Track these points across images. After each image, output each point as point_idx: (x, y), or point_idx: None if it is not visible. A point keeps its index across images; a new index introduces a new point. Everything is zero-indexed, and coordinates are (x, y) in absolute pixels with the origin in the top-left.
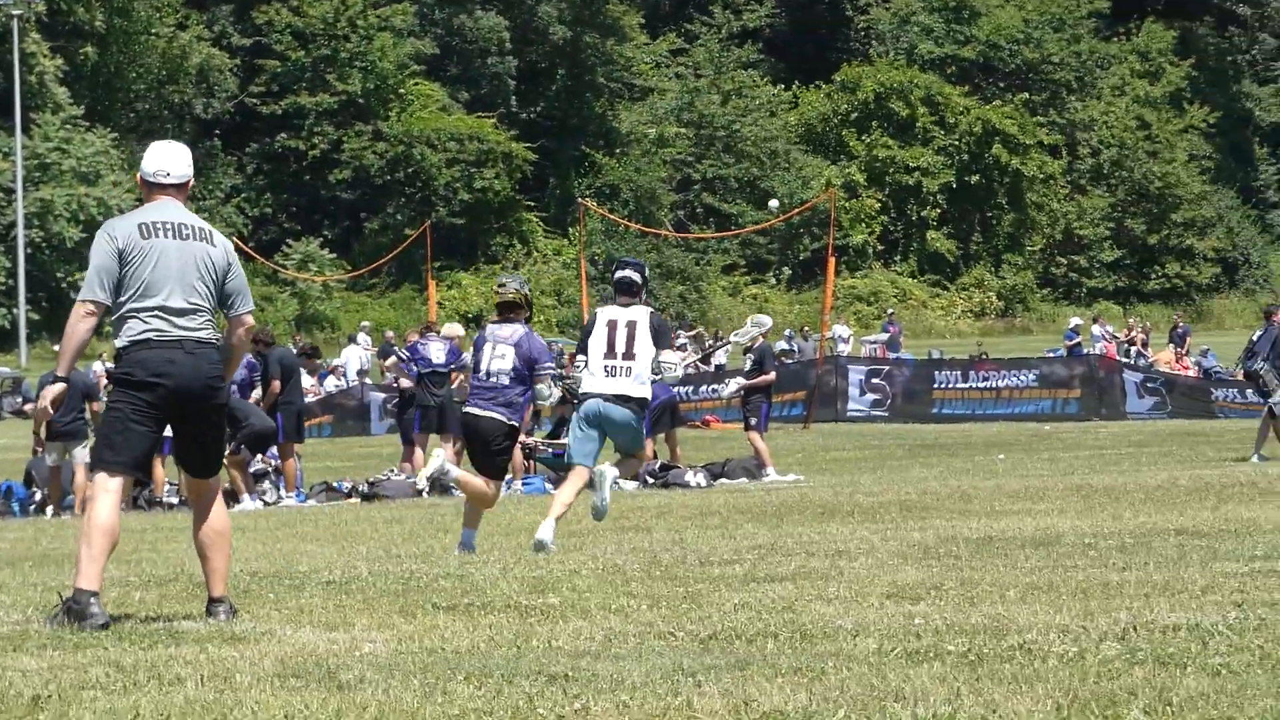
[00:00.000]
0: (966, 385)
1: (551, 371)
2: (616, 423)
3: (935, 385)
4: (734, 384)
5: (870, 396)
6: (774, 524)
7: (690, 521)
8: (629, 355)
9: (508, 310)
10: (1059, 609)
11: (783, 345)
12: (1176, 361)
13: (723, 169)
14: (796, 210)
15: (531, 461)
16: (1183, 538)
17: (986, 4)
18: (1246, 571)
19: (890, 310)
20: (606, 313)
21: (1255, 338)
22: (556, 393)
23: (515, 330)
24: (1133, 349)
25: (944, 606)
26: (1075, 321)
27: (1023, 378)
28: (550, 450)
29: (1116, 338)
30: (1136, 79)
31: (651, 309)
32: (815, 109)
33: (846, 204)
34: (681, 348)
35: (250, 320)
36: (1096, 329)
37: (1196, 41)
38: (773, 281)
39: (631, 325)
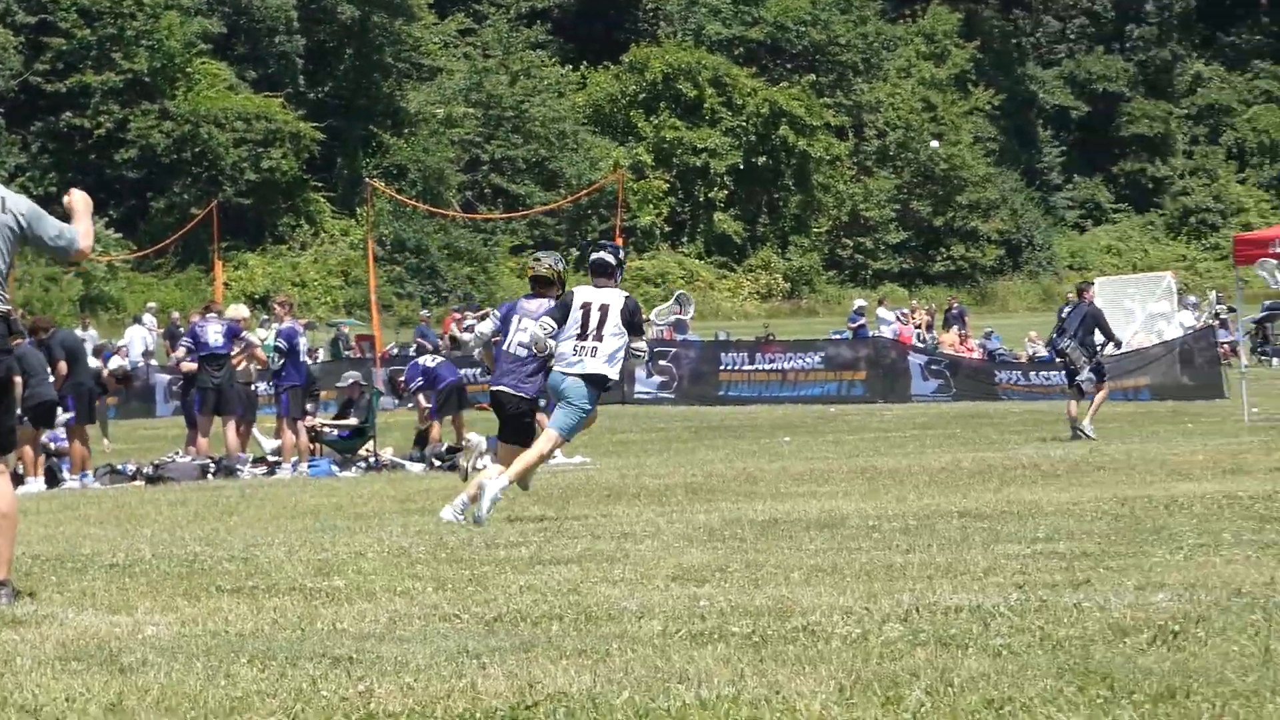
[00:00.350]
0: (753, 367)
1: None
2: (566, 395)
3: (722, 367)
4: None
5: (657, 379)
6: (560, 506)
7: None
8: (598, 337)
9: (540, 285)
10: (843, 591)
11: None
12: (961, 344)
13: (511, 150)
14: (584, 191)
15: (317, 444)
16: (966, 520)
17: None
18: (1028, 553)
19: (678, 292)
20: (582, 294)
21: (1065, 315)
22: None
23: (543, 305)
24: (917, 331)
25: (729, 588)
26: (860, 304)
27: (808, 360)
28: (336, 432)
29: (914, 320)
30: (922, 61)
31: (626, 294)
32: (603, 90)
33: (634, 185)
34: (469, 329)
35: (84, 245)
36: (883, 311)
37: (981, 24)
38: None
39: (604, 309)
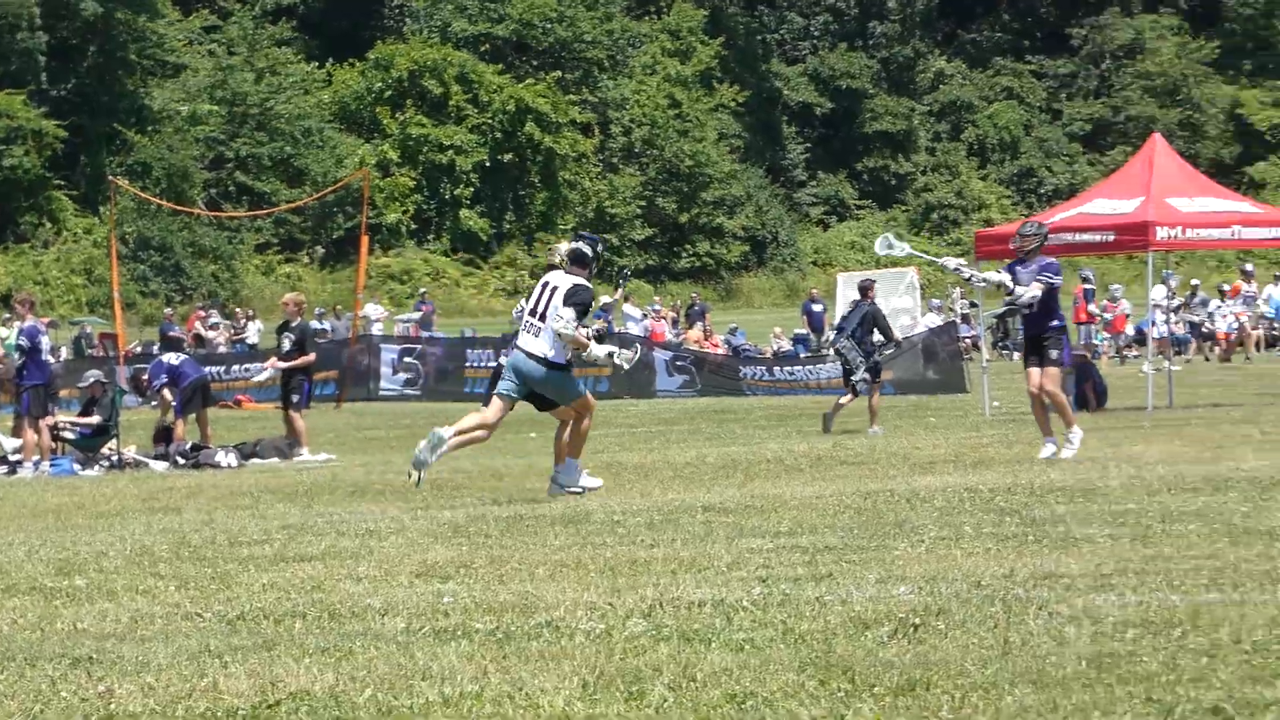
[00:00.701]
0: (497, 364)
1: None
2: (529, 376)
3: (468, 364)
4: (269, 369)
5: (403, 375)
6: (305, 504)
7: (220, 502)
8: (543, 316)
9: (577, 264)
10: (587, 586)
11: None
12: (705, 339)
13: (256, 147)
14: (330, 189)
15: (59, 443)
16: (710, 514)
17: None
18: (771, 548)
19: (423, 289)
20: (549, 277)
21: (845, 314)
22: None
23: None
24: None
25: (473, 585)
26: (606, 300)
27: None
28: (78, 430)
29: (663, 316)
30: (668, 58)
31: (579, 280)
32: (349, 87)
33: (380, 183)
34: (214, 327)
35: None
36: (629, 308)
37: (726, 21)
38: (306, 260)
39: (554, 290)
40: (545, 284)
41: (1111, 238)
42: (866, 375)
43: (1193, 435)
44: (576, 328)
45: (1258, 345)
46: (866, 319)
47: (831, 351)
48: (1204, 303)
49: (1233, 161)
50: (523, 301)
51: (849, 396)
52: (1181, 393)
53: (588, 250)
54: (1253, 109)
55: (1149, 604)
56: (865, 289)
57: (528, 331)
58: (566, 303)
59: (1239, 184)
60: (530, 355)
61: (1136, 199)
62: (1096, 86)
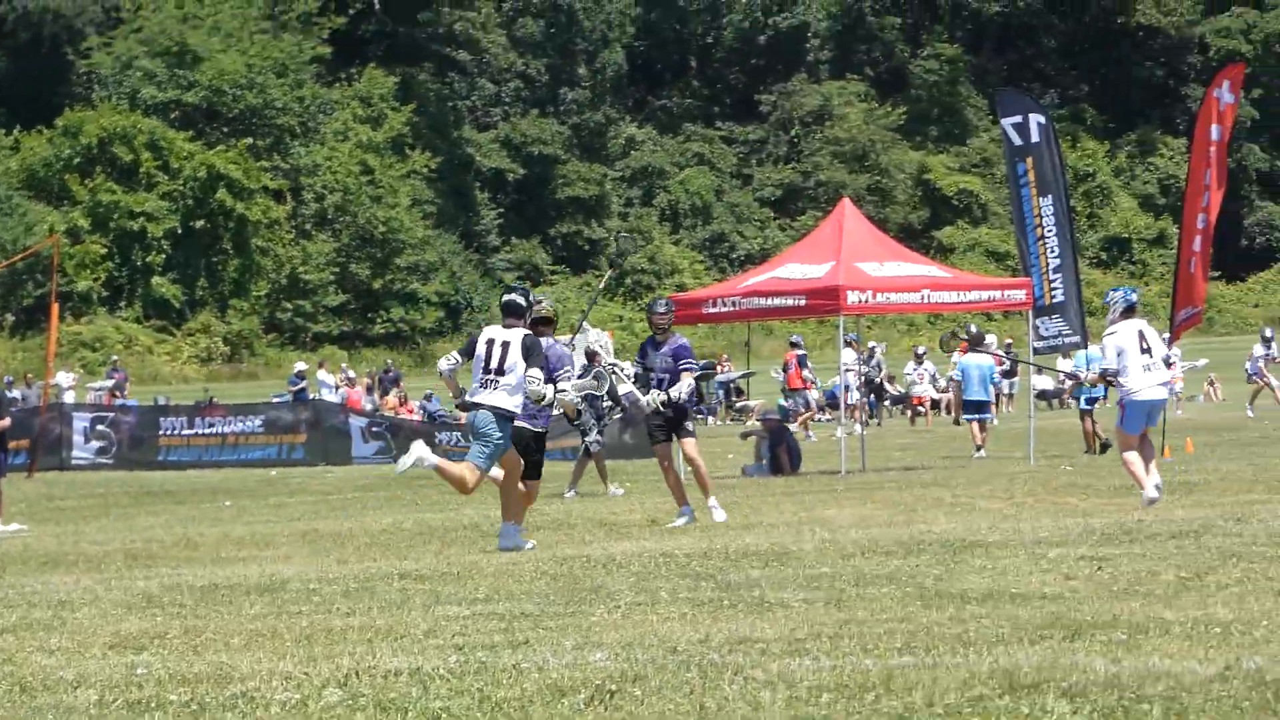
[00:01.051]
0: (193, 431)
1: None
2: (476, 427)
3: (162, 432)
4: None
5: (96, 444)
6: None
7: None
8: (500, 372)
9: (542, 325)
10: (283, 656)
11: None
12: (401, 405)
13: None
14: (19, 256)
15: None
16: (406, 582)
17: (209, 49)
18: (468, 615)
19: (115, 357)
20: (489, 332)
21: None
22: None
23: (552, 345)
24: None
25: (168, 655)
26: (300, 367)
27: (249, 423)
28: None
29: (357, 382)
30: (360, 124)
31: (527, 332)
32: (37, 154)
33: (70, 250)
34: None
35: None
36: (323, 374)
37: (417, 88)
38: None
39: (506, 345)
40: (490, 341)
41: (803, 302)
42: (599, 438)
43: (885, 498)
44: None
45: (948, 408)
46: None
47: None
48: (879, 365)
49: (921, 226)
50: (455, 355)
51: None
52: (874, 456)
53: (522, 301)
54: (940, 174)
55: (843, 668)
56: (592, 355)
57: (484, 388)
58: (531, 361)
59: (928, 248)
60: (493, 409)
61: (827, 263)
62: (786, 152)
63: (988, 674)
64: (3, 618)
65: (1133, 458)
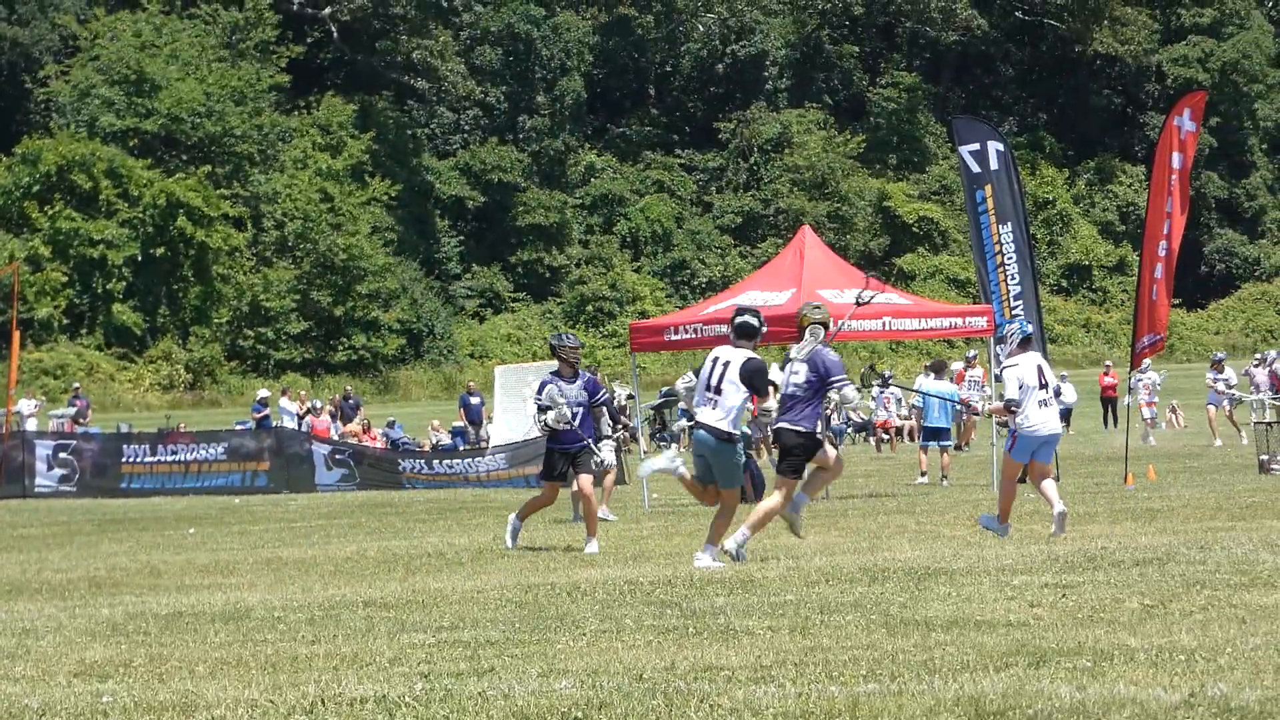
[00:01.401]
0: (155, 459)
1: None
2: (708, 447)
3: (124, 459)
4: None
5: (59, 471)
6: None
7: None
8: (717, 390)
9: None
10: (248, 683)
11: None
12: (365, 433)
13: None
14: None
15: None
16: (371, 609)
17: (167, 77)
18: (434, 642)
19: (77, 384)
20: (718, 352)
21: None
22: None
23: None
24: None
25: (133, 684)
26: (263, 394)
27: (212, 451)
28: None
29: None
30: (319, 152)
31: (750, 355)
32: None
33: (31, 277)
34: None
35: None
36: (285, 401)
37: (377, 115)
38: None
39: (726, 365)
40: (714, 359)
41: (765, 329)
42: (609, 457)
43: (850, 526)
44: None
45: (911, 435)
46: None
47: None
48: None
49: (882, 253)
50: (690, 374)
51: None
52: (838, 483)
53: (755, 323)
54: (900, 201)
55: (809, 695)
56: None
57: (703, 405)
58: (751, 384)
59: (888, 275)
60: (709, 429)
61: (788, 290)
62: (746, 180)
63: (953, 701)
64: None
65: (1009, 487)
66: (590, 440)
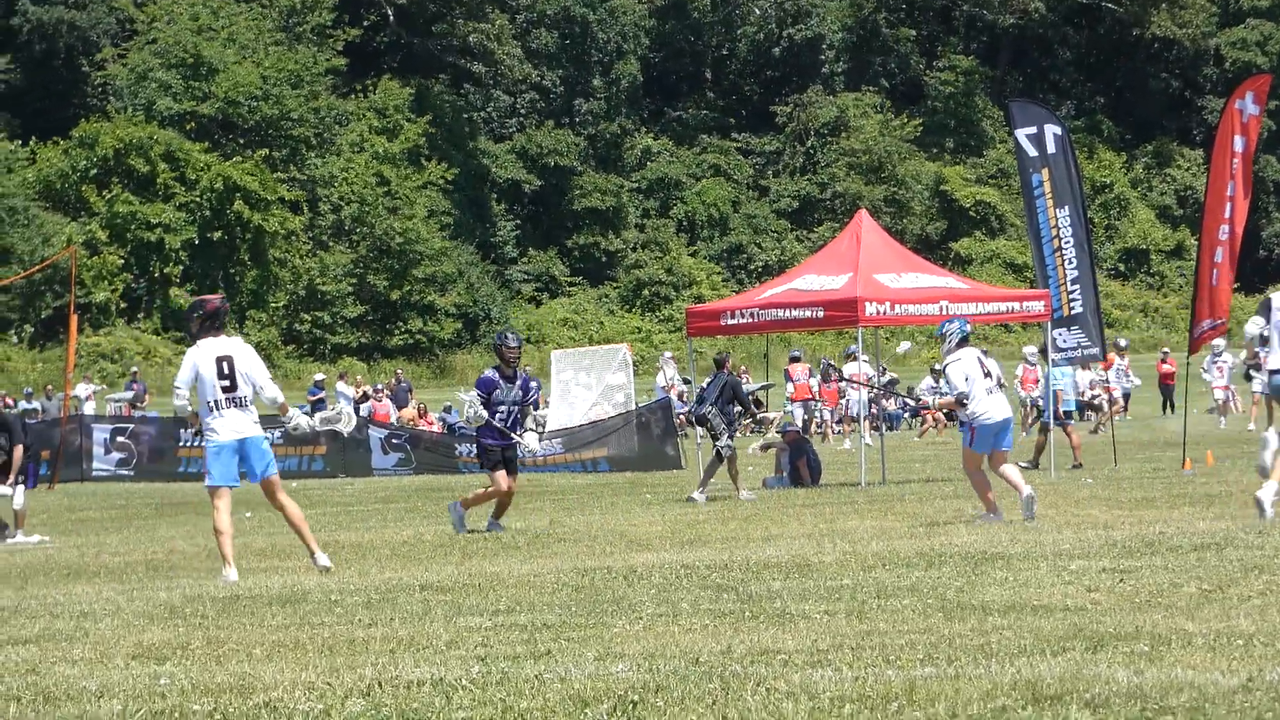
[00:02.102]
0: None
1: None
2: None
3: (181, 443)
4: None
5: (116, 455)
6: (18, 586)
7: None
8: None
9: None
10: (305, 666)
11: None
12: (421, 417)
13: None
14: (36, 268)
15: None
16: (428, 593)
17: (224, 61)
18: (490, 625)
19: (134, 368)
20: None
21: (705, 385)
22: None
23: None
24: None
25: (190, 666)
26: (319, 378)
27: (269, 435)
28: None
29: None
30: (375, 135)
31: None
32: (54, 165)
33: (88, 261)
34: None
35: None
36: (342, 385)
37: (433, 99)
38: (14, 340)
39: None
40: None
41: (821, 314)
42: (729, 442)
43: (906, 510)
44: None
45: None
46: (726, 389)
47: (694, 420)
48: (893, 382)
49: (938, 237)
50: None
51: (720, 464)
52: (895, 468)
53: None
54: (957, 186)
55: (865, 679)
56: (721, 362)
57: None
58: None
59: (945, 259)
60: None
61: (845, 275)
62: (802, 164)
63: (1010, 685)
64: (26, 628)
65: (979, 477)
66: (518, 434)
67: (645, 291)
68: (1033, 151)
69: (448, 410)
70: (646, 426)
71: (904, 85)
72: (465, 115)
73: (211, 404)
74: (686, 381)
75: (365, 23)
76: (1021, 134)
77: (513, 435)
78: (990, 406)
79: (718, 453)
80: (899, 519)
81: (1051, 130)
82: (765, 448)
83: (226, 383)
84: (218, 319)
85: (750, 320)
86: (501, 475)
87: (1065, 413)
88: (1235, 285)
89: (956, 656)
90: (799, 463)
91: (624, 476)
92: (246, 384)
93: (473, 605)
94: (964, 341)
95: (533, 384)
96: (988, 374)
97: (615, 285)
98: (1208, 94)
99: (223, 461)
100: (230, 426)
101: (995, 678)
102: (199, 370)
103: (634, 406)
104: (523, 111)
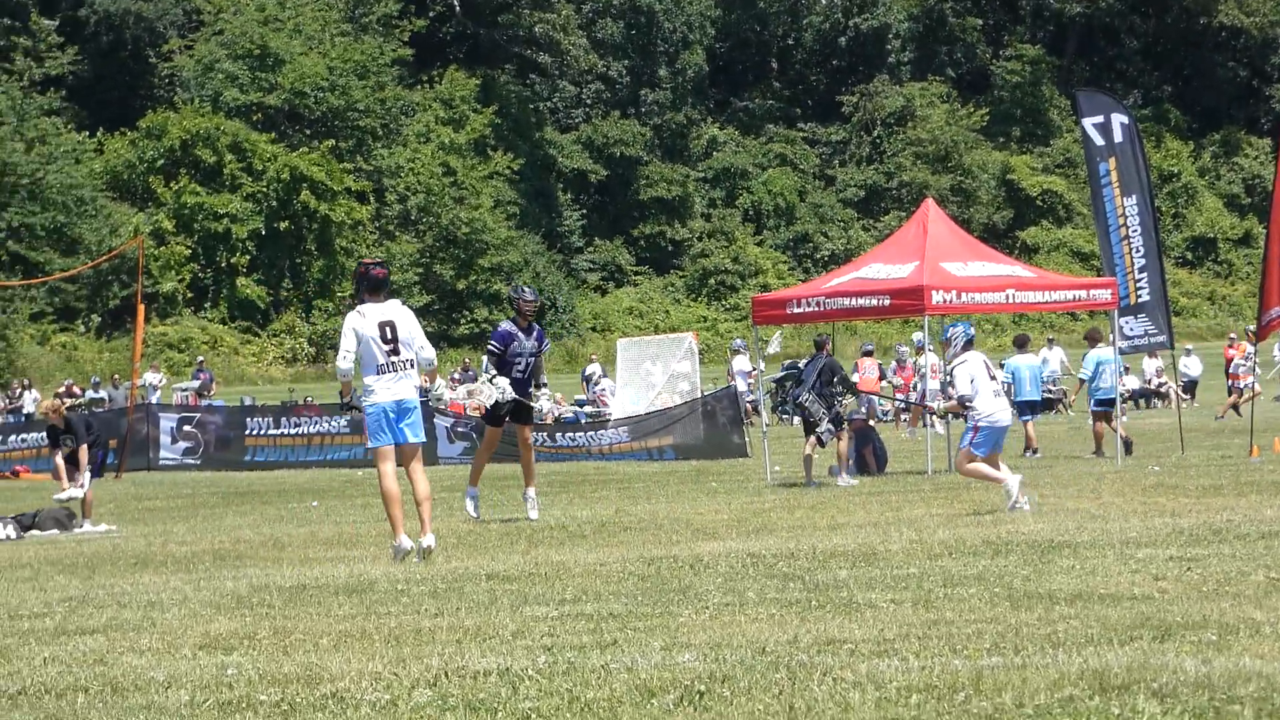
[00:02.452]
0: (278, 432)
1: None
2: None
3: (248, 432)
4: (75, 490)
5: (183, 444)
6: (86, 575)
7: None
8: None
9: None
10: (372, 656)
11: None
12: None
13: (29, 217)
14: (104, 257)
15: None
16: (494, 582)
17: (290, 51)
18: (556, 615)
19: (201, 358)
20: None
21: (803, 366)
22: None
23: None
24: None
25: (257, 656)
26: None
27: (335, 424)
28: None
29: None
30: (441, 126)
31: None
32: (121, 156)
33: (156, 251)
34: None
35: None
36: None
37: (499, 89)
38: (82, 329)
39: None
40: None
41: (888, 302)
42: (830, 426)
43: (972, 499)
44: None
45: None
46: (824, 371)
47: (793, 405)
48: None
49: (1005, 226)
50: None
51: (812, 445)
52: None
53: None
54: (1023, 174)
55: (932, 668)
56: (821, 344)
57: None
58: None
59: (1011, 248)
60: None
61: (911, 263)
62: (869, 153)
63: (1078, 675)
64: (93, 618)
65: (977, 466)
66: (533, 389)
67: (711, 280)
68: (1099, 140)
69: None
70: (712, 415)
71: (970, 74)
72: (531, 105)
73: (378, 367)
74: (757, 370)
75: (431, 13)
76: (1088, 123)
77: (526, 398)
78: (995, 407)
79: (817, 437)
80: (965, 507)
81: (1118, 119)
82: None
83: (390, 347)
84: (380, 284)
85: (816, 309)
86: (493, 432)
87: (1104, 401)
88: None
89: (1023, 646)
90: (864, 450)
91: (690, 465)
92: (409, 349)
93: (539, 595)
94: (969, 345)
95: (545, 338)
96: (993, 376)
97: (681, 274)
98: (1275, 83)
99: (381, 424)
100: (388, 389)
101: (1062, 667)
102: (361, 333)
103: (700, 395)
104: (588, 102)
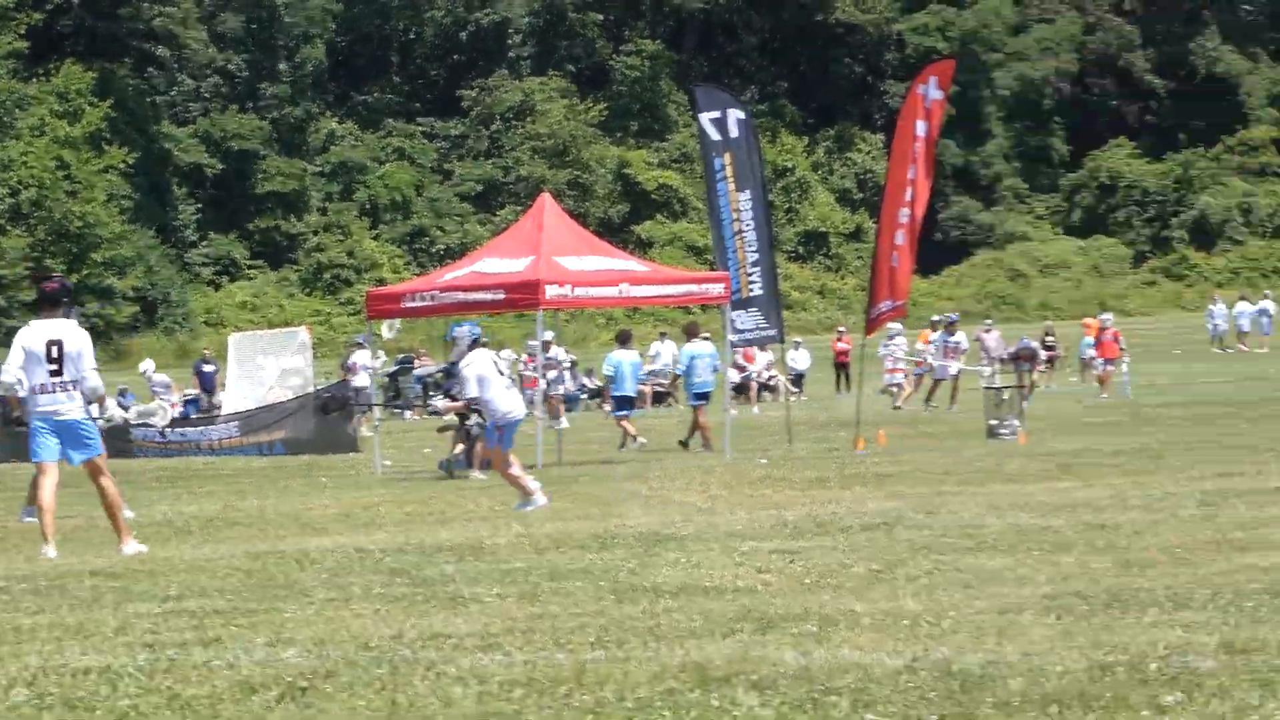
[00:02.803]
0: None
1: None
2: None
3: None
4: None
5: None
6: None
7: None
8: None
9: None
10: None
11: None
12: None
13: None
14: None
15: None
16: (98, 579)
17: None
18: (159, 612)
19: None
20: None
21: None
22: None
23: None
24: None
25: None
26: None
27: None
28: None
29: None
30: (56, 119)
31: None
32: None
33: None
34: None
35: None
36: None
37: (116, 82)
38: None
39: None
40: None
41: (502, 296)
42: (479, 420)
43: (581, 492)
44: None
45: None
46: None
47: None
48: (557, 361)
49: (621, 220)
50: None
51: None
52: (570, 449)
53: None
54: (640, 169)
55: (535, 662)
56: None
57: None
58: None
59: (627, 243)
60: None
61: (527, 258)
62: (487, 148)
63: (679, 667)
64: None
65: (515, 473)
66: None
67: (326, 275)
68: (716, 135)
69: (123, 394)
70: (324, 409)
71: (590, 70)
72: (149, 99)
73: (40, 385)
74: (370, 366)
75: (48, 6)
76: (705, 118)
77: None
78: (510, 403)
79: (467, 431)
80: (574, 500)
81: (735, 115)
82: (442, 430)
83: (54, 366)
84: (52, 299)
85: (431, 303)
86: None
87: (701, 394)
88: (914, 268)
89: (626, 639)
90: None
91: (299, 459)
92: (73, 370)
93: (142, 591)
94: (475, 344)
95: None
96: (502, 374)
97: (296, 268)
98: (889, 79)
99: (43, 441)
100: (50, 407)
101: (664, 660)
102: (27, 348)
103: (312, 389)
104: (207, 95)
